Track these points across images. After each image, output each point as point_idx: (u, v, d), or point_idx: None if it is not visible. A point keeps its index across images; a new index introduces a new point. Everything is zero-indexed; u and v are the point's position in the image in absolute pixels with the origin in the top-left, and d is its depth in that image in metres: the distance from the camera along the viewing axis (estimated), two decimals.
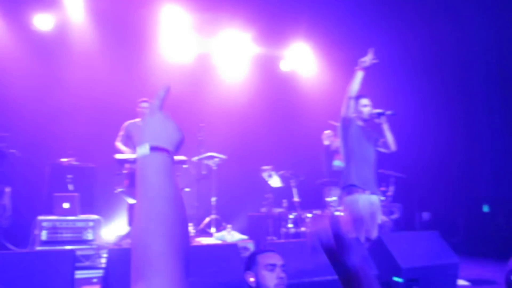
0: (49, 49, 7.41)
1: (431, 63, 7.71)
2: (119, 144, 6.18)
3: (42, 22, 7.39)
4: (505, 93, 7.03)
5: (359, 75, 4.09)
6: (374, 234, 4.03)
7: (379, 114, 4.26)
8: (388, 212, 6.82)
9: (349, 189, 4.12)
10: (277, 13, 8.10)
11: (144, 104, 6.33)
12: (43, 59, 7.30)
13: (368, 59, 4.08)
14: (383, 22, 7.86)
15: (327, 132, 7.15)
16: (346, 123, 4.19)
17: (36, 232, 5.09)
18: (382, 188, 6.90)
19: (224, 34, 8.63)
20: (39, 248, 4.93)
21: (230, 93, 8.72)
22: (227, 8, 7.98)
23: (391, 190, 6.92)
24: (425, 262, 3.17)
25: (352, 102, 4.16)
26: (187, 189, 5.93)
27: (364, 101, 4.30)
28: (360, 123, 4.30)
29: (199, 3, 7.94)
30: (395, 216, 7.04)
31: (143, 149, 0.82)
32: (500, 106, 7.14)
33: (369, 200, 4.11)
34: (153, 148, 0.82)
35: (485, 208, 6.96)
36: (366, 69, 4.11)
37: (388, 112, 4.28)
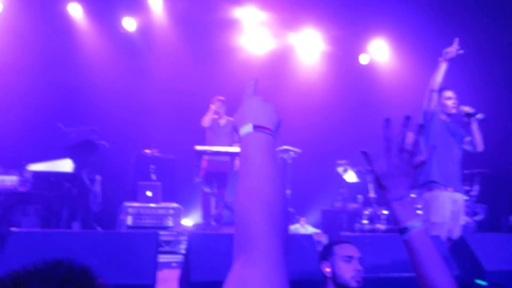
0: (135, 48, 7.93)
1: None
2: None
3: (129, 24, 7.91)
4: None
5: (443, 67, 3.88)
6: (456, 234, 3.84)
7: (469, 115, 4.01)
8: (471, 213, 6.43)
9: (429, 185, 3.94)
10: (354, 8, 7.93)
11: (219, 103, 6.50)
12: (129, 58, 7.82)
13: (453, 49, 3.87)
14: (465, 10, 7.38)
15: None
16: (428, 117, 4.01)
17: (122, 217, 5.47)
18: (466, 187, 6.53)
19: (301, 31, 8.64)
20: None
21: (306, 87, 8.71)
22: (303, 5, 7.97)
23: (475, 189, 6.52)
24: None
25: (435, 95, 3.96)
26: None
27: (448, 93, 4.07)
28: (443, 117, 4.09)
29: (277, 2, 8.00)
30: (478, 217, 6.62)
31: (247, 128, 0.85)
32: None
33: (452, 198, 3.92)
34: (256, 127, 0.84)
35: None
36: (451, 61, 3.90)
37: (479, 116, 4.00)
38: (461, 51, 3.88)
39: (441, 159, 3.95)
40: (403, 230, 1.02)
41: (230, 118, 6.59)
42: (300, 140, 7.28)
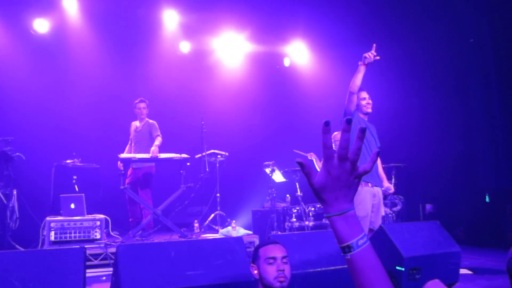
0: (50, 52, 7.48)
1: (430, 56, 7.75)
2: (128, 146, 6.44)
3: (42, 26, 7.43)
4: (503, 84, 7.08)
5: (362, 70, 4.06)
6: (377, 225, 4.09)
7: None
8: (390, 204, 6.87)
9: None
10: (276, 12, 8.14)
11: (141, 104, 6.43)
12: (44, 63, 7.37)
13: (371, 55, 4.05)
14: (379, 19, 7.90)
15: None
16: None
17: (45, 232, 5.18)
18: None
19: (224, 33, 8.70)
20: (48, 248, 5.01)
21: (232, 90, 8.79)
22: (226, 8, 8.04)
23: (393, 182, 6.98)
24: (427, 251, 3.23)
25: (354, 97, 4.15)
26: (190, 184, 6.01)
27: (363, 94, 4.30)
28: (362, 116, 4.33)
29: (198, 5, 7.98)
30: (397, 208, 7.09)
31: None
32: (499, 97, 7.18)
33: (372, 192, 4.18)
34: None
35: (487, 198, 7.02)
36: (369, 65, 4.08)
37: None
38: (378, 57, 4.09)
39: (362, 157, 4.19)
40: (346, 249, 0.89)
41: (150, 121, 6.50)
42: (226, 143, 7.37)
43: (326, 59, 9.10)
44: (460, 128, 7.57)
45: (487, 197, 6.99)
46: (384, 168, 6.94)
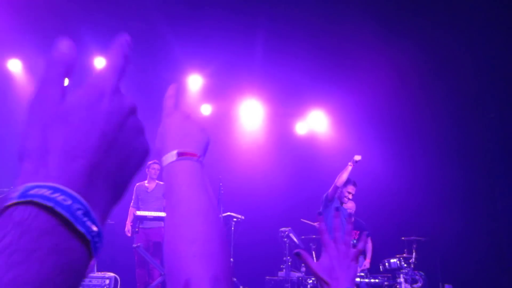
0: None
1: (453, 130, 7.77)
2: (131, 209, 6.34)
3: None
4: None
5: (349, 170, 4.79)
6: None
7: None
8: (410, 281, 6.54)
9: None
10: (295, 81, 8.38)
11: (155, 166, 6.45)
12: None
13: (359, 158, 4.80)
14: (398, 94, 8.04)
15: None
16: (329, 203, 4.81)
17: None
18: (404, 255, 6.69)
19: (244, 98, 8.92)
20: None
21: (251, 153, 8.84)
22: (248, 75, 8.30)
23: (413, 256, 6.70)
24: None
25: (338, 189, 4.82)
26: None
27: (350, 188, 4.91)
28: (340, 203, 4.93)
29: (221, 70, 8.27)
30: (418, 285, 6.73)
31: (170, 157, 0.71)
32: None
33: None
34: (180, 155, 0.71)
35: None
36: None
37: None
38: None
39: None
40: None
41: (161, 182, 6.48)
42: (243, 206, 7.26)
43: (343, 128, 9.18)
44: (486, 204, 7.38)
45: None
46: (404, 241, 6.75)
